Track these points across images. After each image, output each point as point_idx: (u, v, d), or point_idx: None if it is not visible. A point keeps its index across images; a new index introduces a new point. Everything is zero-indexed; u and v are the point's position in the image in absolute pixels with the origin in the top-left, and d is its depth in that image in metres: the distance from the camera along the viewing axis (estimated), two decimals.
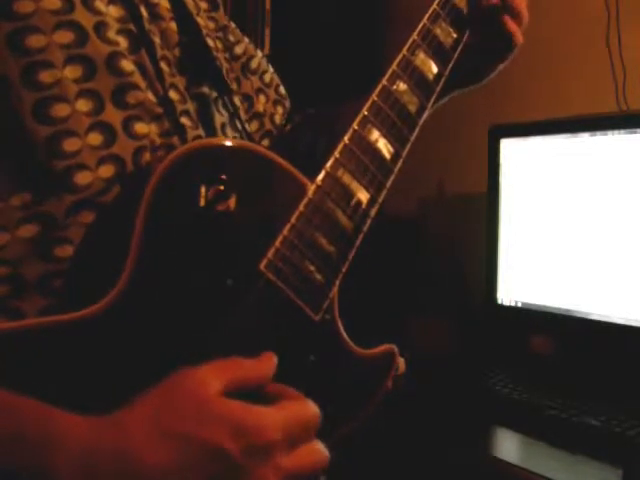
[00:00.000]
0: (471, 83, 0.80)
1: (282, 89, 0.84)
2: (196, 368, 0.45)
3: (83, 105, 0.55)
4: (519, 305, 1.36)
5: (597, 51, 1.45)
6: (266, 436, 0.44)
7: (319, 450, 0.47)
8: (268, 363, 0.49)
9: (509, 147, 1.39)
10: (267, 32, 1.70)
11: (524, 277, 1.36)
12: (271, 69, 0.84)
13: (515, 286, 1.38)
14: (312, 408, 0.48)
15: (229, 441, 0.42)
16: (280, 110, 0.82)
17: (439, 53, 0.70)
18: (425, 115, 0.68)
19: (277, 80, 0.84)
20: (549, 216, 1.31)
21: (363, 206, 0.61)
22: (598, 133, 1.23)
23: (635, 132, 1.17)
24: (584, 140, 1.25)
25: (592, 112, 1.33)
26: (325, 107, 0.84)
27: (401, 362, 0.66)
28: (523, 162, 1.37)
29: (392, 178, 0.64)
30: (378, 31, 1.84)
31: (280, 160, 0.59)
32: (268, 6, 1.70)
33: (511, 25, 0.73)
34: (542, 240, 1.33)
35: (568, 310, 1.26)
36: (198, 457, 0.42)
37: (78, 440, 0.42)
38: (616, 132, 1.20)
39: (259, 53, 0.83)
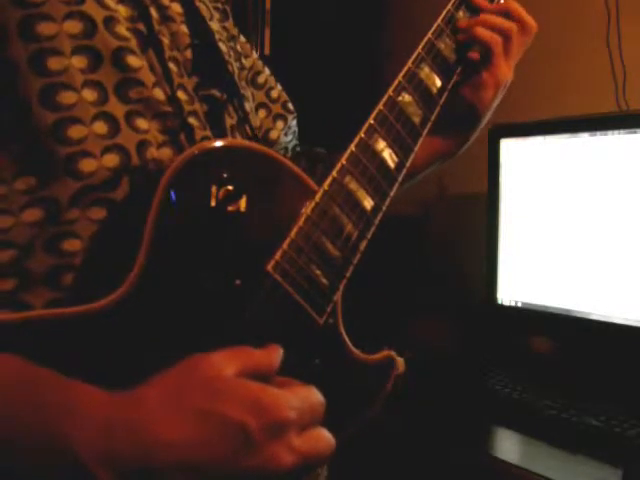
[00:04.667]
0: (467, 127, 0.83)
1: (290, 105, 0.84)
2: (209, 353, 0.46)
3: (89, 94, 0.55)
4: (519, 305, 1.36)
5: (597, 51, 1.45)
6: (283, 414, 0.44)
7: (327, 436, 0.48)
8: (276, 353, 0.50)
9: (509, 147, 1.39)
10: (267, 32, 1.70)
11: (524, 277, 1.36)
12: (279, 87, 0.85)
13: (515, 286, 1.38)
14: (318, 395, 0.49)
15: (249, 418, 0.43)
16: (280, 125, 0.82)
17: (443, 67, 0.72)
18: (428, 127, 0.70)
19: (285, 97, 0.84)
20: (549, 216, 1.32)
21: (368, 213, 0.62)
22: (598, 133, 1.23)
23: (635, 132, 1.17)
24: (584, 140, 1.25)
25: (592, 112, 1.33)
26: (334, 148, 0.86)
27: (401, 362, 0.67)
28: (523, 162, 1.37)
29: (396, 187, 0.65)
30: (377, 31, 1.84)
31: (290, 164, 0.60)
32: (268, 6, 1.70)
33: (482, 34, 0.75)
34: (542, 240, 1.33)
35: (568, 310, 1.26)
36: (218, 432, 0.43)
37: (97, 411, 0.43)
38: (616, 132, 1.20)
39: (267, 70, 0.84)
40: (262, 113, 0.81)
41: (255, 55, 0.83)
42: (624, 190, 1.18)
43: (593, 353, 1.22)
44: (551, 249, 1.31)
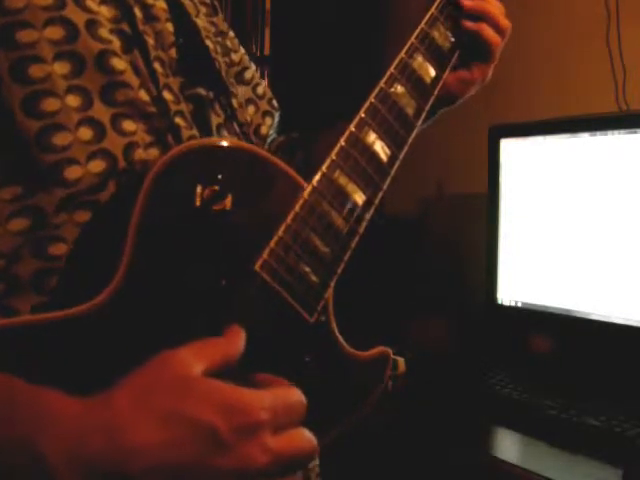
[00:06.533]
0: (454, 99, 0.80)
1: (275, 102, 0.84)
2: (176, 350, 0.45)
3: (72, 100, 0.55)
4: (519, 305, 1.36)
5: (597, 51, 1.45)
6: (253, 415, 0.44)
7: (307, 437, 0.47)
8: (238, 337, 0.49)
9: (509, 147, 1.39)
10: (267, 32, 1.70)
11: (524, 277, 1.36)
12: (264, 83, 0.84)
13: (515, 286, 1.38)
14: (298, 394, 0.48)
15: (218, 419, 0.43)
16: (269, 122, 0.82)
17: (437, 56, 0.71)
18: (422, 117, 0.68)
19: (270, 94, 0.84)
20: (549, 216, 1.32)
21: (359, 208, 0.61)
22: (598, 133, 1.23)
23: (635, 132, 1.17)
24: (584, 140, 1.25)
25: (592, 112, 1.33)
26: (308, 131, 0.85)
27: (401, 362, 0.66)
28: (523, 162, 1.37)
29: (388, 180, 0.64)
30: (378, 31, 1.84)
31: (277, 161, 0.59)
32: (268, 6, 1.70)
33: (490, 35, 0.74)
34: (542, 240, 1.33)
35: (568, 310, 1.26)
36: (187, 434, 0.42)
37: (66, 418, 0.42)
38: (616, 132, 1.20)
39: (253, 66, 0.84)
40: (251, 109, 0.80)
41: (243, 50, 0.82)
42: (624, 190, 1.18)
43: (593, 353, 1.22)
44: (551, 249, 1.31)
